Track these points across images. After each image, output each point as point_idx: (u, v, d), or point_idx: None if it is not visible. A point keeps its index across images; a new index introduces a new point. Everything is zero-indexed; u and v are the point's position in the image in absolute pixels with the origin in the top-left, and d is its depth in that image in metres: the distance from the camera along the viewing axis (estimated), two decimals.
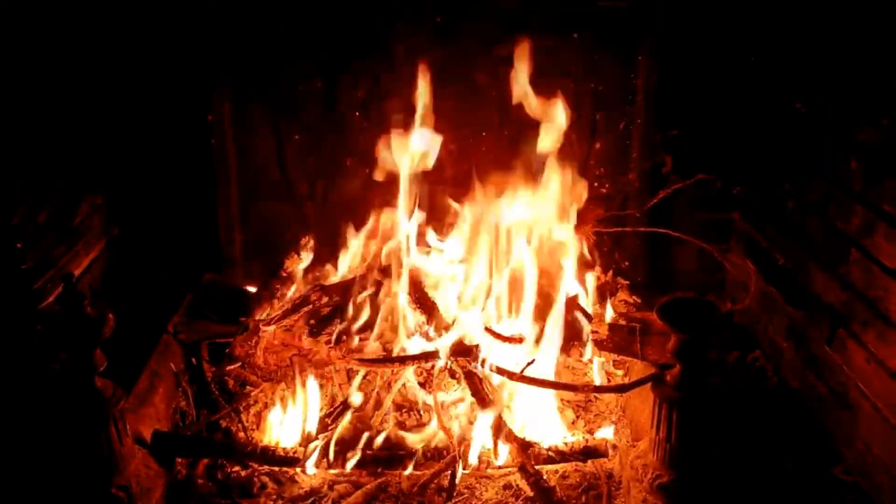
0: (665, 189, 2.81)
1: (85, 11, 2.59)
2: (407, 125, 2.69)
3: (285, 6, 2.78)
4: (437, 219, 2.90)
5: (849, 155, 2.18)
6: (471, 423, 2.33)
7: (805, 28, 2.45)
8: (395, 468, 2.18)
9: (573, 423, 2.46)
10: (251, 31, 2.80)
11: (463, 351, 2.39)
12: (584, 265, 2.83)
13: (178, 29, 2.71)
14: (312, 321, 2.71)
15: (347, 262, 2.91)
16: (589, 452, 2.23)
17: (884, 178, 2.03)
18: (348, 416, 2.33)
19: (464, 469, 2.16)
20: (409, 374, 2.48)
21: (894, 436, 1.99)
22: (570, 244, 2.75)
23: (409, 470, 2.17)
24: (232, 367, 2.59)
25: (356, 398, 2.39)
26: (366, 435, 2.25)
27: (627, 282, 3.02)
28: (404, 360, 2.43)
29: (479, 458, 2.21)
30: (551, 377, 2.44)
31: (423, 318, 2.59)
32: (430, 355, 2.40)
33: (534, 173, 2.70)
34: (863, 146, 2.14)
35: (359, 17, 2.79)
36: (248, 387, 2.55)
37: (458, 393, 2.45)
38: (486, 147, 2.93)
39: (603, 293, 2.88)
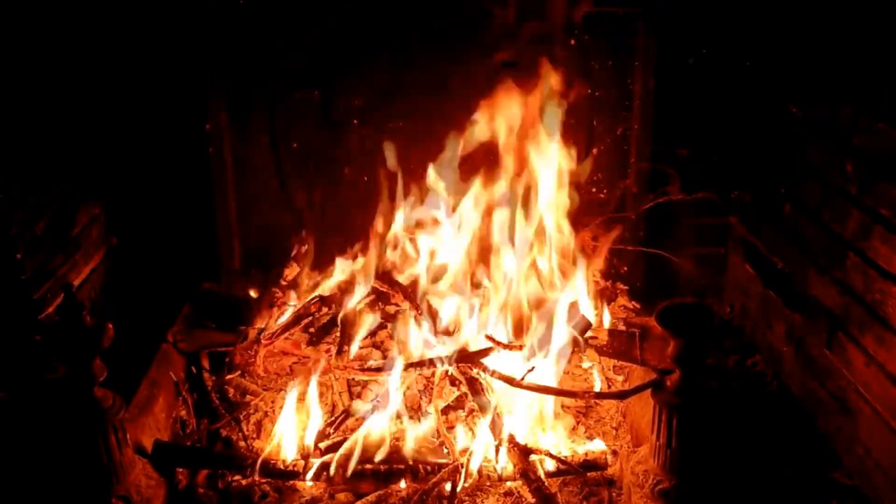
0: (663, 198, 2.83)
1: (82, 21, 2.60)
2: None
3: (283, 14, 2.79)
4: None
5: (844, 159, 2.19)
6: (472, 430, 2.34)
7: (800, 32, 2.46)
8: (394, 482, 2.17)
9: (573, 428, 2.46)
10: (249, 39, 2.81)
11: (465, 357, 2.40)
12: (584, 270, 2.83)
13: (177, 38, 2.72)
14: (312, 329, 2.71)
15: (346, 271, 2.91)
16: (588, 465, 2.23)
17: (879, 181, 2.04)
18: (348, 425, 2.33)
19: (465, 481, 2.15)
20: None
21: (894, 439, 1.99)
22: (570, 250, 2.76)
23: (407, 484, 2.17)
24: (232, 375, 2.59)
25: (357, 407, 2.39)
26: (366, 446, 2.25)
27: (626, 287, 3.03)
28: (405, 367, 2.42)
29: (481, 465, 2.21)
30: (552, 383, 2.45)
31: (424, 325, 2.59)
32: (432, 362, 2.40)
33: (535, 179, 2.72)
34: (858, 150, 2.14)
35: (356, 24, 2.80)
36: (248, 395, 2.55)
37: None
38: (485, 151, 2.94)
39: (602, 299, 2.88)
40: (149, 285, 2.91)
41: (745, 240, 2.86)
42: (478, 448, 2.22)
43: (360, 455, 2.19)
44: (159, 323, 2.69)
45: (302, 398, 2.37)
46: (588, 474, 2.23)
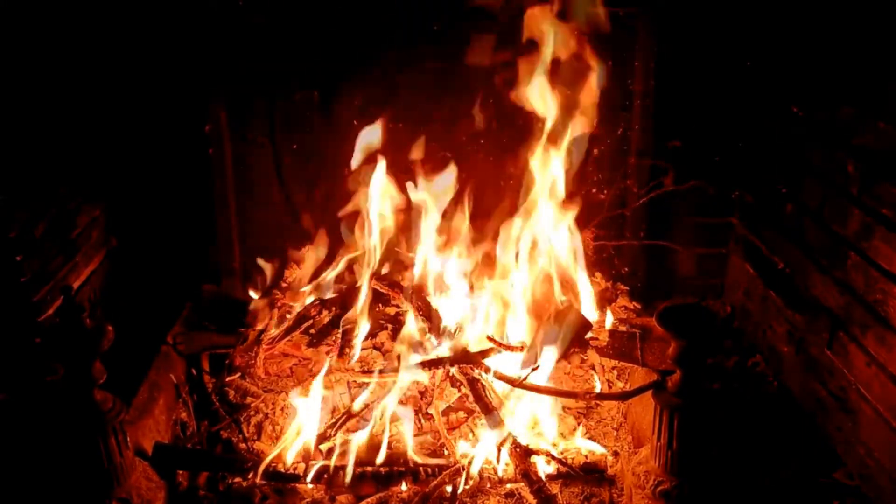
0: (656, 192, 2.83)
1: (82, 24, 2.60)
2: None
3: (282, 16, 2.79)
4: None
5: (846, 158, 2.19)
6: (473, 431, 2.34)
7: (801, 32, 2.46)
8: (395, 484, 2.16)
9: (574, 430, 2.45)
10: (248, 41, 2.81)
11: (466, 358, 2.39)
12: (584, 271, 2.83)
13: (176, 39, 2.71)
14: (312, 331, 2.71)
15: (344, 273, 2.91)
16: (589, 468, 2.23)
17: (881, 181, 2.04)
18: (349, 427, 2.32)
19: (466, 484, 2.15)
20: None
21: (895, 439, 1.99)
22: (571, 251, 2.75)
23: (408, 487, 2.16)
24: (232, 377, 2.59)
25: (357, 408, 2.39)
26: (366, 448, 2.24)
27: (627, 288, 3.03)
28: (406, 369, 2.42)
29: (481, 467, 2.21)
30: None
31: (425, 326, 2.59)
32: (435, 363, 2.40)
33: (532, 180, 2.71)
34: (860, 150, 2.14)
35: (356, 26, 2.79)
36: (248, 397, 2.54)
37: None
38: (484, 154, 2.94)
39: (603, 299, 2.88)
40: (148, 287, 2.91)
41: (746, 240, 2.85)
42: (479, 450, 2.22)
43: (360, 457, 2.18)
44: (159, 325, 2.69)
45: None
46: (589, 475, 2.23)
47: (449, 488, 2.13)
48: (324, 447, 2.27)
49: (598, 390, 2.54)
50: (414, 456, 2.22)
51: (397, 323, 2.72)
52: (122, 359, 2.01)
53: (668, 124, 2.85)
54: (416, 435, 2.34)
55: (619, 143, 2.96)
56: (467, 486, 2.15)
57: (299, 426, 2.29)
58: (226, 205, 2.99)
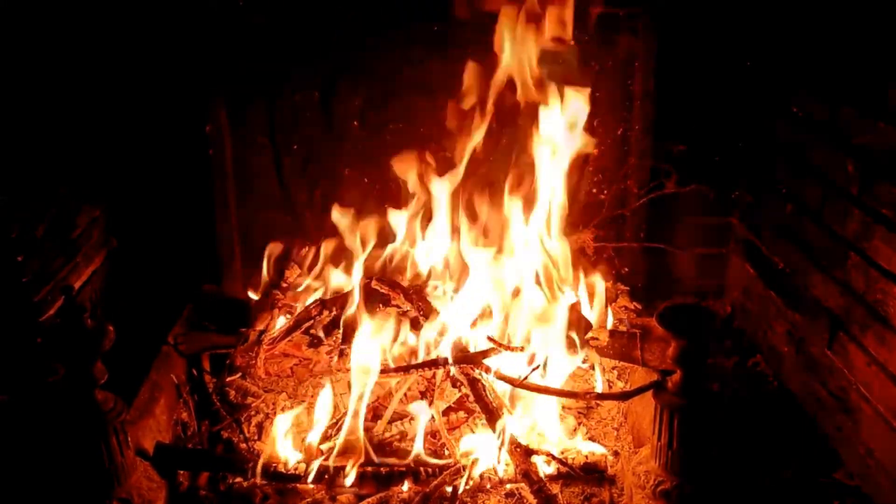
0: (656, 192, 2.84)
1: (82, 24, 2.60)
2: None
3: (282, 16, 2.79)
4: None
5: (846, 158, 2.19)
6: (474, 431, 2.34)
7: (801, 32, 2.46)
8: (396, 484, 2.16)
9: (574, 430, 2.46)
10: (248, 41, 2.81)
11: (466, 358, 2.39)
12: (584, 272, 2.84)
13: (176, 39, 2.71)
14: (312, 331, 2.71)
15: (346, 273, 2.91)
16: (589, 468, 2.23)
17: (881, 181, 2.04)
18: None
19: (467, 484, 2.15)
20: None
21: (895, 439, 1.99)
22: (571, 250, 2.76)
23: (408, 486, 2.16)
24: (233, 377, 2.59)
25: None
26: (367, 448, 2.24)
27: (627, 288, 3.03)
28: (408, 368, 2.42)
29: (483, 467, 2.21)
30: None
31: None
32: (435, 363, 2.40)
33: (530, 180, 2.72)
34: (860, 150, 2.14)
35: (356, 26, 2.79)
36: (249, 397, 2.55)
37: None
38: (483, 154, 2.94)
39: (603, 299, 2.88)
40: (149, 287, 2.91)
41: (747, 240, 2.86)
42: (480, 449, 2.22)
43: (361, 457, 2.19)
44: (160, 325, 2.69)
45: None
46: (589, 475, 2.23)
47: (449, 488, 2.13)
48: (324, 447, 2.27)
49: (598, 390, 2.55)
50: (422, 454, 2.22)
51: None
52: (122, 359, 2.01)
53: (669, 124, 2.85)
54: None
55: (618, 143, 2.96)
56: (468, 486, 2.16)
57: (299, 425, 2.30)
58: (226, 205, 2.99)
